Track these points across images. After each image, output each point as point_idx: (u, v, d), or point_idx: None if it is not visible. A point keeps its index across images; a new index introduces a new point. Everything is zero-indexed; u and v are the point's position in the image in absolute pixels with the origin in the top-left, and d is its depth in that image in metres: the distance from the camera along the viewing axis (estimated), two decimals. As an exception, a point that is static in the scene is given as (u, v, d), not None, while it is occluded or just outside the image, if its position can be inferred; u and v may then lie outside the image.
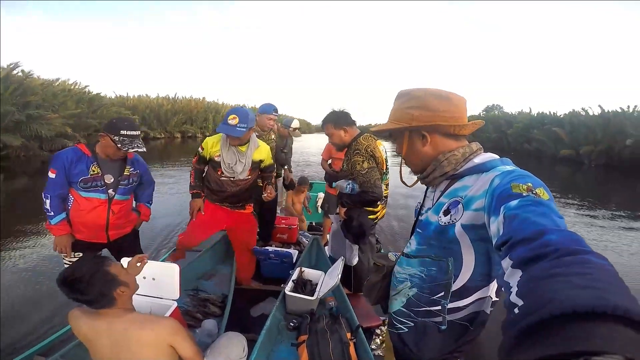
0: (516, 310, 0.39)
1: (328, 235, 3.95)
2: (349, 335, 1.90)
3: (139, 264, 1.49)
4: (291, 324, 2.03)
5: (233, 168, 2.15)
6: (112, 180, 1.85)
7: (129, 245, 2.08)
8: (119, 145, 1.72)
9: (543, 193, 0.61)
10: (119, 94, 18.57)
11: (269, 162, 2.37)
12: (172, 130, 18.59)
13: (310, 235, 3.74)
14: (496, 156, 0.85)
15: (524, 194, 0.61)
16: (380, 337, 2.16)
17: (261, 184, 2.50)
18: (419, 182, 0.99)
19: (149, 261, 1.62)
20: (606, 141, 13.19)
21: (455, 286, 0.87)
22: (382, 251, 3.25)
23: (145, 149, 1.82)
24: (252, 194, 2.47)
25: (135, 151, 1.78)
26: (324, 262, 2.72)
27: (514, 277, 0.46)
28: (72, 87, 14.70)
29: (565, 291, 0.35)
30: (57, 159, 1.74)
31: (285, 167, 4.12)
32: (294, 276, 2.34)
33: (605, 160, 13.35)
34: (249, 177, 2.28)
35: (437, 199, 0.90)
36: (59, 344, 1.80)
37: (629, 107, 14.05)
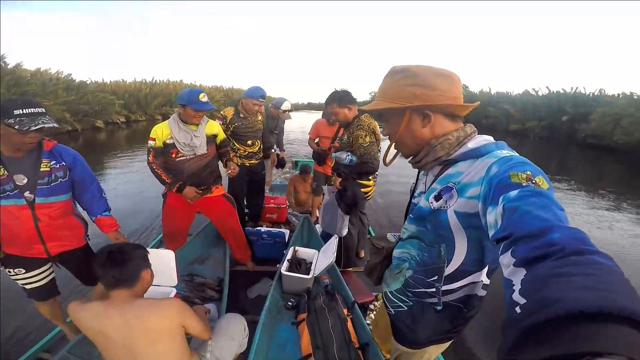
0: (518, 310, 0.39)
1: (318, 211, 4.04)
2: (345, 311, 1.98)
3: None
4: (289, 303, 2.08)
5: (190, 144, 2.15)
6: (25, 180, 1.46)
7: (77, 265, 1.79)
8: (17, 127, 1.32)
9: (542, 182, 0.59)
10: (94, 79, 18.11)
11: (223, 137, 2.40)
12: (153, 112, 19.00)
13: (300, 215, 3.77)
14: (491, 139, 0.82)
15: (524, 184, 0.58)
16: (375, 312, 2.25)
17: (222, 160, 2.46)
18: (411, 166, 0.95)
19: (148, 249, 1.62)
20: (547, 117, 15.79)
21: (448, 270, 0.88)
22: (371, 231, 3.37)
23: (55, 125, 1.44)
24: (215, 175, 2.38)
25: (40, 128, 1.37)
26: (316, 241, 2.76)
27: (516, 276, 0.45)
28: (58, 75, 14.41)
29: (572, 292, 0.35)
30: None
31: (275, 147, 4.06)
32: (289, 256, 2.36)
33: (547, 133, 15.80)
34: (207, 152, 2.26)
35: (430, 185, 0.88)
36: (62, 340, 1.76)
37: (572, 88, 16.64)
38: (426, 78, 0.81)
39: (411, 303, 1.02)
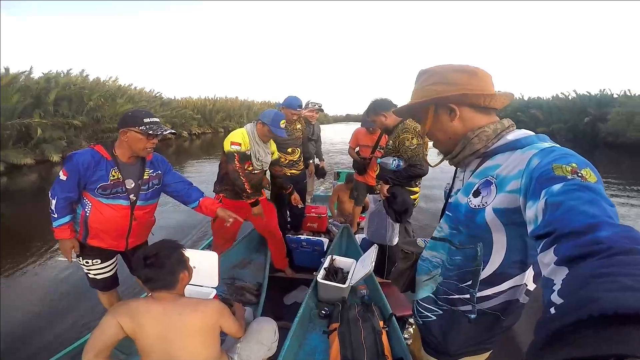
0: (552, 310, 0.37)
1: (363, 221, 3.97)
2: (381, 323, 1.93)
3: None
4: (323, 311, 2.09)
5: (262, 160, 2.35)
6: (132, 185, 1.72)
7: None
8: (150, 132, 1.58)
9: (590, 175, 0.54)
10: (165, 96, 21.06)
11: (276, 156, 2.62)
12: (216, 125, 21.90)
13: (340, 224, 3.78)
14: (531, 132, 0.78)
15: (569, 177, 0.54)
16: (414, 327, 2.17)
17: (287, 191, 2.75)
18: (447, 162, 0.93)
19: (188, 250, 1.71)
20: (572, 120, 17.09)
21: (485, 273, 0.82)
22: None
23: (174, 131, 1.75)
24: (264, 184, 2.60)
25: (171, 132, 1.69)
26: (355, 250, 2.75)
27: (558, 275, 0.42)
28: (141, 91, 17.72)
29: (610, 292, 0.32)
30: (71, 161, 1.58)
31: (314, 157, 4.07)
32: (326, 264, 2.38)
33: (572, 135, 16.92)
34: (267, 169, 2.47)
35: (467, 179, 0.85)
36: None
37: (600, 90, 17.43)
38: (445, 74, 0.82)
39: (441, 312, 0.96)
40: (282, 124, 2.26)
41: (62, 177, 1.59)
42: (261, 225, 2.63)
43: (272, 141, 2.51)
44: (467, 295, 0.86)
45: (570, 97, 18.51)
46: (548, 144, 0.70)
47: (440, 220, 0.97)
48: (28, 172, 8.62)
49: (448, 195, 0.98)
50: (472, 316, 0.87)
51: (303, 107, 3.08)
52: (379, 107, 2.29)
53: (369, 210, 2.66)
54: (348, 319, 1.95)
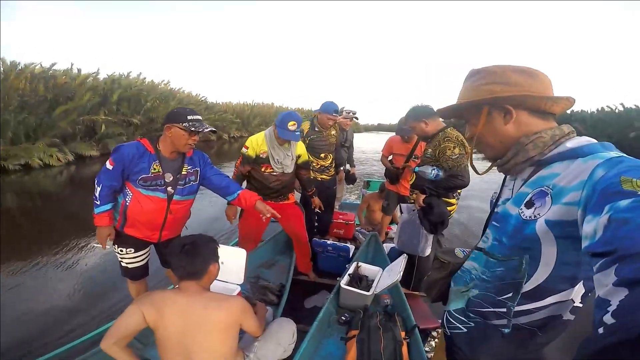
0: (601, 330, 0.35)
1: (393, 229, 3.91)
2: (403, 334, 1.87)
3: None
4: (343, 318, 2.06)
5: (282, 163, 2.35)
6: (171, 179, 1.79)
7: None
8: (193, 129, 1.66)
9: None
10: (209, 100, 22.67)
11: (305, 159, 2.56)
12: (253, 130, 22.69)
13: (367, 232, 3.72)
14: (594, 140, 0.71)
15: (639, 192, 0.48)
16: (436, 340, 2.08)
17: (308, 192, 2.75)
18: (497, 169, 0.87)
19: (220, 245, 1.77)
20: (617, 134, 15.86)
21: (528, 287, 0.76)
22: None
23: (214, 130, 1.81)
24: (292, 186, 2.60)
25: (212, 130, 1.77)
26: (382, 259, 2.69)
27: (615, 296, 0.39)
28: (189, 94, 19.52)
29: None
30: (118, 152, 1.68)
31: (345, 164, 4.07)
32: (350, 270, 2.35)
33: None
34: (292, 171, 2.45)
35: (519, 188, 0.79)
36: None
37: None
38: (504, 74, 0.77)
39: (472, 324, 0.92)
40: (292, 125, 2.22)
41: (109, 166, 1.68)
42: (288, 227, 2.65)
43: (299, 144, 2.52)
44: (504, 309, 0.82)
45: (616, 110, 17.61)
46: (614, 153, 0.63)
47: (486, 231, 0.92)
48: (92, 163, 9.73)
49: (494, 204, 0.92)
50: (506, 330, 0.82)
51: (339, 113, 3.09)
52: (420, 113, 2.23)
53: (401, 219, 2.59)
54: (369, 327, 1.90)
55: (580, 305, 0.78)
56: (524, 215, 0.74)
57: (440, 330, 2.14)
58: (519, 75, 0.76)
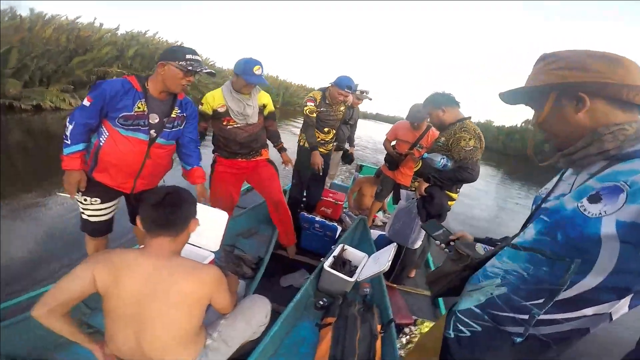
0: None
1: (379, 217, 3.86)
2: (379, 327, 1.76)
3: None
4: (320, 302, 1.93)
5: (243, 113, 2.20)
6: (156, 120, 1.64)
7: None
8: (190, 68, 1.55)
9: None
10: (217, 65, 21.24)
11: (271, 109, 2.42)
12: None
13: (355, 216, 3.59)
14: None
15: None
16: (407, 337, 1.98)
17: (277, 146, 2.57)
18: (559, 161, 0.79)
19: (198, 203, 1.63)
20: None
21: (566, 294, 0.69)
22: (429, 259, 3.09)
23: (214, 73, 1.69)
24: (264, 140, 2.45)
25: (210, 72, 1.65)
26: (368, 245, 2.56)
27: None
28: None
29: None
30: (99, 88, 1.52)
31: (346, 142, 3.88)
32: (336, 252, 2.22)
33: None
34: (258, 121, 2.31)
35: (582, 183, 0.72)
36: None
37: None
38: (579, 59, 0.70)
39: (479, 328, 0.85)
40: (257, 70, 2.10)
41: (86, 103, 1.52)
42: (261, 188, 2.48)
43: (264, 94, 2.37)
44: (526, 316, 0.74)
45: None
46: None
47: (528, 225, 0.83)
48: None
49: (543, 199, 0.86)
50: (518, 340, 0.76)
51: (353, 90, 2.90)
52: (440, 100, 2.08)
53: (397, 207, 2.46)
54: (347, 316, 1.78)
55: (614, 318, 0.71)
56: (586, 211, 0.66)
57: (412, 328, 2.03)
58: (598, 60, 0.68)
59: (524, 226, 0.87)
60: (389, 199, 3.72)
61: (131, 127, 1.58)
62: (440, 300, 2.45)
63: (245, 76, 2.09)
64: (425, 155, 2.14)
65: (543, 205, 0.84)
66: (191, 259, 1.17)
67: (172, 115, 1.69)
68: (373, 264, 2.08)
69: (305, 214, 2.69)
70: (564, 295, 0.70)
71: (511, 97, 0.83)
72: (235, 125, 2.22)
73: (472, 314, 0.87)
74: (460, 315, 0.91)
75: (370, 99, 3.60)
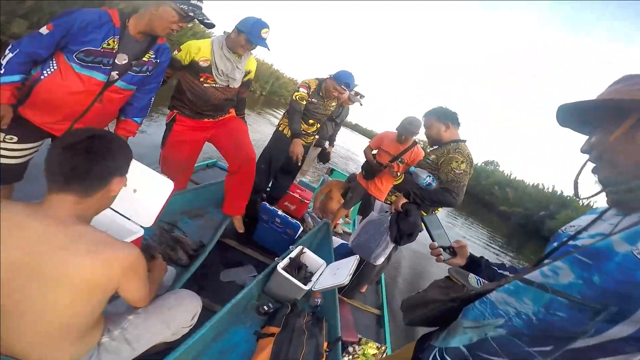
0: None
1: (339, 225, 3.65)
2: (325, 345, 1.52)
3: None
4: (265, 307, 1.64)
5: (228, 75, 1.93)
6: (124, 61, 1.44)
7: None
8: (190, 14, 1.42)
9: None
10: None
11: (251, 77, 2.19)
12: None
13: (318, 218, 3.33)
14: None
15: None
16: (350, 357, 1.75)
17: (240, 115, 2.31)
18: (608, 198, 0.68)
19: (137, 162, 1.30)
20: (533, 209, 17.72)
21: (582, 343, 0.59)
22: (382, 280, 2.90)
23: (213, 25, 1.55)
24: (234, 102, 2.21)
25: (210, 24, 1.53)
26: (327, 252, 2.30)
27: None
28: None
29: None
30: (68, 16, 1.32)
31: (326, 140, 3.68)
32: (293, 254, 1.95)
33: (524, 221, 17.64)
34: (239, 86, 2.09)
35: (634, 224, 0.59)
36: None
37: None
38: None
39: None
40: (265, 32, 1.88)
41: (44, 30, 1.30)
42: (227, 142, 2.13)
43: (252, 60, 2.13)
44: None
45: (546, 190, 19.61)
46: None
47: (555, 263, 0.68)
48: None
49: (570, 238, 0.74)
50: None
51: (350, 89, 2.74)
52: (447, 115, 1.98)
53: (367, 218, 2.27)
54: (293, 327, 1.50)
55: None
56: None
57: (356, 347, 1.81)
58: None
59: (540, 263, 0.74)
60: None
61: (90, 65, 1.37)
62: (386, 322, 2.27)
63: (251, 36, 1.86)
64: (412, 169, 2.00)
65: (573, 243, 0.72)
66: (102, 232, 0.83)
67: (144, 59, 1.50)
68: (330, 275, 1.83)
69: (267, 205, 2.38)
70: (580, 344, 0.60)
71: (575, 109, 0.69)
72: (214, 85, 1.94)
73: (459, 354, 0.75)
74: (445, 355, 0.78)
75: (361, 105, 3.47)
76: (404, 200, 1.93)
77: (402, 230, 1.93)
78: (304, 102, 2.54)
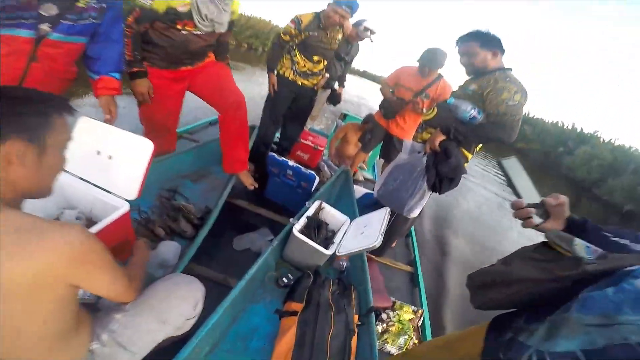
0: None
1: (361, 172, 3.39)
2: (356, 318, 1.33)
3: None
4: (284, 279, 1.44)
5: (213, 20, 1.61)
6: (52, 11, 1.16)
7: None
8: None
9: None
10: None
11: (236, 17, 1.82)
12: (242, 40, 20.31)
13: (335, 166, 3.04)
14: None
15: None
16: (384, 325, 1.58)
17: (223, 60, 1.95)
18: None
19: (110, 127, 1.18)
20: (551, 146, 17.50)
21: None
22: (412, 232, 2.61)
23: None
24: (213, 47, 1.85)
25: None
26: (349, 204, 2.04)
27: None
28: None
29: None
30: None
31: (336, 81, 3.27)
32: (310, 211, 1.70)
33: (542, 158, 17.58)
34: (225, 31, 1.76)
35: None
36: None
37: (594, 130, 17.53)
38: None
39: None
40: None
41: None
42: (214, 94, 1.82)
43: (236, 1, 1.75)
44: None
45: (565, 127, 18.91)
46: None
47: None
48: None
49: None
50: None
51: (354, 15, 2.28)
52: (493, 41, 1.61)
53: (394, 162, 1.94)
54: (318, 303, 1.31)
55: None
56: None
57: (391, 314, 1.63)
58: None
59: None
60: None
61: (9, 23, 1.12)
62: (421, 281, 2.06)
63: None
64: (451, 100, 1.65)
65: None
66: (31, 216, 0.61)
67: (80, 4, 1.20)
68: (357, 234, 1.59)
69: (276, 156, 2.09)
70: None
71: None
72: (193, 32, 1.60)
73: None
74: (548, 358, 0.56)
75: (372, 41, 2.99)
76: (442, 137, 1.61)
77: (443, 174, 1.62)
78: (287, 38, 2.25)
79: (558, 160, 16.87)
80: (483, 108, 1.57)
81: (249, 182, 2.03)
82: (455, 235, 3.73)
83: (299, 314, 1.24)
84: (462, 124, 1.59)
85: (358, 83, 22.58)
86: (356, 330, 1.28)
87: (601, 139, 17.20)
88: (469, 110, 1.57)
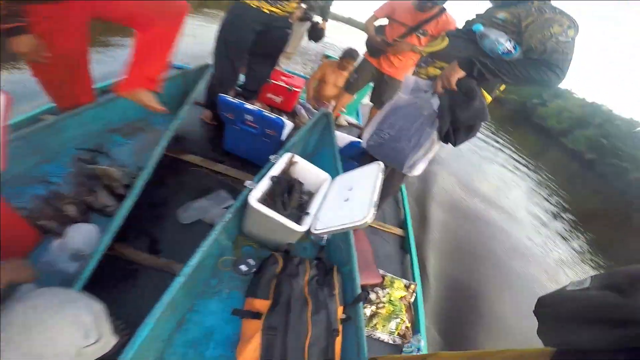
0: None
1: (342, 117, 2.96)
2: (340, 311, 1.04)
3: None
4: (244, 265, 1.11)
5: None
6: None
7: None
8: None
9: None
10: None
11: None
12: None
13: (315, 110, 2.59)
14: None
15: None
16: (373, 308, 1.32)
17: None
18: None
19: None
20: (527, 96, 20.14)
21: None
22: (402, 190, 2.28)
23: None
24: None
25: None
26: (330, 157, 1.64)
27: None
28: None
29: None
30: None
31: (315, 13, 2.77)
32: (275, 169, 1.27)
33: (518, 105, 21.02)
34: None
35: None
36: None
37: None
38: None
39: None
40: None
41: None
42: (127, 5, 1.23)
43: None
44: None
45: None
46: None
47: None
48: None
49: None
50: None
51: None
52: None
53: (392, 103, 1.49)
54: (289, 299, 0.99)
55: None
56: None
57: (380, 293, 1.36)
58: None
59: None
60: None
61: None
62: (412, 245, 1.77)
63: None
64: (479, 27, 1.27)
65: None
66: None
67: None
68: (340, 199, 1.22)
69: (228, 97, 1.60)
70: None
71: None
72: None
73: None
74: None
75: None
76: (461, 74, 1.23)
77: (461, 120, 1.25)
78: None
79: (532, 110, 18.00)
80: (519, 42, 1.22)
81: (152, 105, 1.36)
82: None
83: (263, 317, 0.93)
84: (496, 60, 1.21)
85: (342, 29, 20.81)
86: (340, 329, 1.00)
87: (574, 95, 18.96)
88: (504, 43, 1.21)
